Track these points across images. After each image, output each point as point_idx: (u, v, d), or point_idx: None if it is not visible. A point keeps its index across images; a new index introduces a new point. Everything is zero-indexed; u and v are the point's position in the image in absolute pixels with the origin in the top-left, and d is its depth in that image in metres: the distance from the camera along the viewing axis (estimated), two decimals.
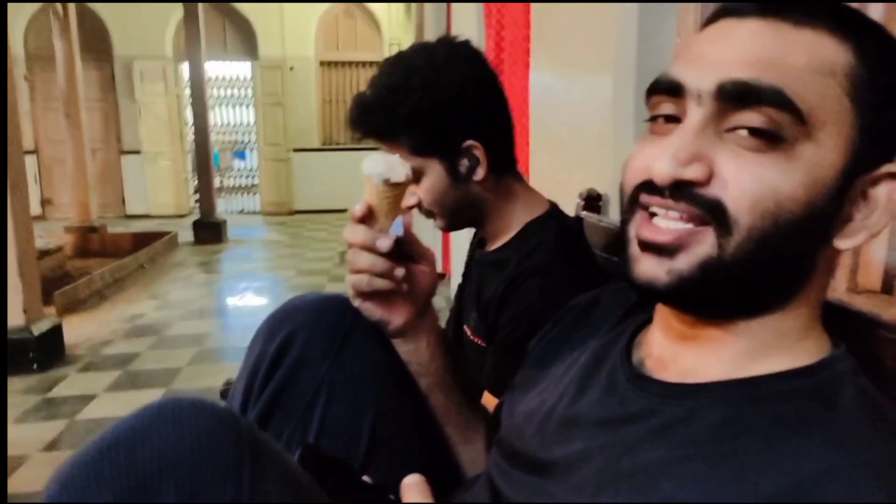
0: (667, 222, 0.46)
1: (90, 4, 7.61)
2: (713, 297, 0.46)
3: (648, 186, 0.47)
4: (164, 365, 3.17)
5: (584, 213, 1.23)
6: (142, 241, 5.78)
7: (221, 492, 0.43)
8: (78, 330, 3.62)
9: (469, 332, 1.02)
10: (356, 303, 0.74)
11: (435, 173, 0.93)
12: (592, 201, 1.31)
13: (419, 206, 0.96)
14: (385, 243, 0.70)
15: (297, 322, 0.72)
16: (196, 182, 7.25)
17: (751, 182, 0.43)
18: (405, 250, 0.74)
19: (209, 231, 6.45)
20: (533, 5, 2.07)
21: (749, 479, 0.40)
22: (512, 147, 1.00)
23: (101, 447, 0.44)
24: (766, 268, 0.44)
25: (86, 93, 6.20)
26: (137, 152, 8.12)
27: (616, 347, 0.57)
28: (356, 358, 0.69)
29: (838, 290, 0.78)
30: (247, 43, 8.34)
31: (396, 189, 0.71)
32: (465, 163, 0.93)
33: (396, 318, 0.75)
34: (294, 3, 8.06)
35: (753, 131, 0.43)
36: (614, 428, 0.49)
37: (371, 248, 0.70)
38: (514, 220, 0.99)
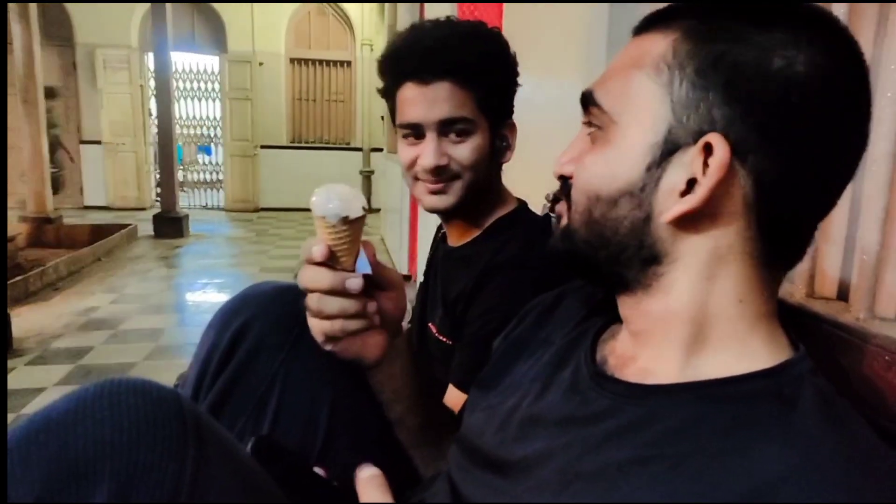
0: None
1: None
2: (580, 258, 0.53)
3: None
4: (118, 360, 3.07)
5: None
6: (100, 233, 5.62)
7: (162, 476, 0.42)
8: (28, 322, 3.49)
9: (434, 331, 1.00)
10: (327, 347, 0.67)
11: (483, 136, 0.91)
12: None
13: (446, 167, 0.90)
14: (356, 283, 0.63)
15: (253, 311, 0.70)
16: (158, 175, 7.09)
17: (581, 172, 0.52)
18: (373, 281, 0.68)
19: (170, 225, 6.30)
20: (505, 8, 2.08)
21: (707, 482, 0.40)
22: None
23: (29, 431, 0.42)
24: (599, 234, 0.51)
25: (45, 80, 6.00)
26: (98, 142, 7.90)
27: (580, 346, 0.57)
28: (313, 348, 0.67)
29: (796, 295, 0.79)
30: (216, 36, 8.20)
31: (356, 223, 0.63)
32: (500, 141, 0.94)
33: (372, 351, 0.70)
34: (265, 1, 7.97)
35: (593, 126, 0.52)
36: (576, 427, 0.49)
37: (339, 292, 0.64)
38: (484, 216, 0.98)
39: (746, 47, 0.44)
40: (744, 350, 0.47)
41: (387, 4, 6.22)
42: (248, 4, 8.04)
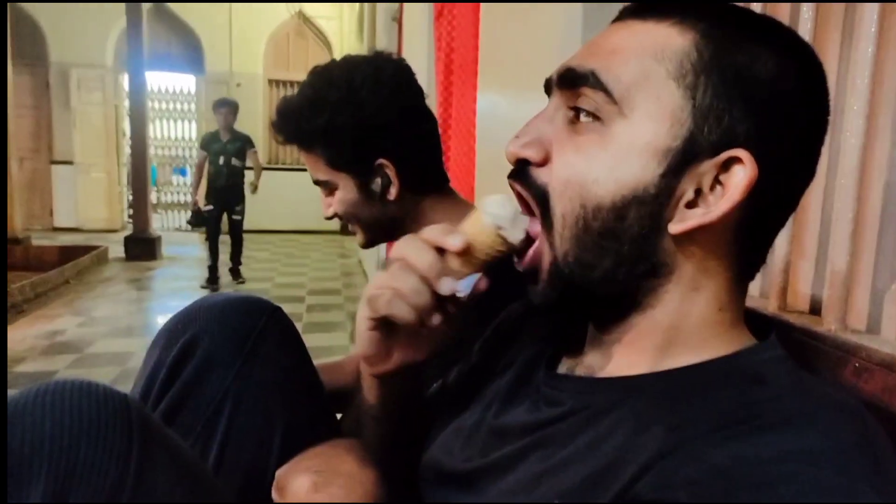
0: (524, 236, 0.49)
1: (26, 8, 7.32)
2: (574, 290, 0.47)
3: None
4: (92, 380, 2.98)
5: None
6: (69, 254, 5.50)
7: (103, 476, 0.42)
8: None
9: None
10: (363, 326, 0.54)
11: (347, 188, 0.95)
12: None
13: (337, 216, 0.97)
14: (450, 285, 0.50)
15: (201, 325, 0.66)
16: (131, 196, 6.99)
17: (562, 168, 0.46)
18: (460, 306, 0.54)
19: (142, 247, 6.19)
20: (482, 28, 2.09)
21: (674, 423, 0.39)
22: (436, 165, 1.01)
23: None
24: (596, 248, 0.45)
25: (17, 99, 5.91)
26: (70, 162, 7.77)
27: (542, 361, 0.55)
28: (266, 365, 0.64)
29: (769, 309, 0.78)
30: (192, 56, 8.17)
31: (503, 247, 0.51)
32: (377, 181, 0.94)
33: (394, 360, 0.57)
34: (244, 20, 7.98)
35: (580, 113, 0.46)
36: (543, 429, 0.48)
37: (426, 279, 0.50)
38: None
39: (763, 63, 0.44)
40: (717, 348, 0.46)
41: (365, 26, 6.27)
42: (227, 25, 8.04)
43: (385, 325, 0.54)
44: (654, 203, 0.44)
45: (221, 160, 5.01)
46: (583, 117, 0.46)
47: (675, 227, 0.44)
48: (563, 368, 0.53)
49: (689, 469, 0.35)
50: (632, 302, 0.47)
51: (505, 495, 0.47)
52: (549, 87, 0.51)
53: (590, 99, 0.45)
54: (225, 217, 5.18)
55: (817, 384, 0.42)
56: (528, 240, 0.50)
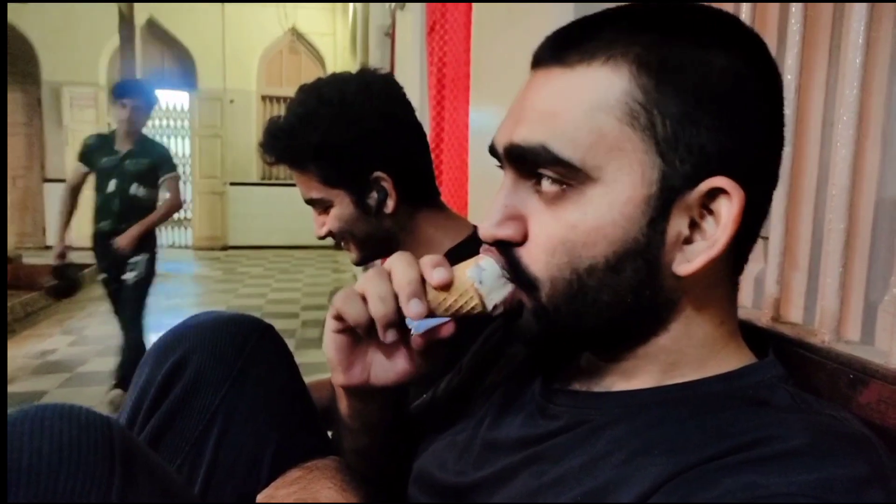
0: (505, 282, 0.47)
1: (18, 26, 7.33)
2: (567, 336, 0.46)
3: None
4: (74, 403, 2.94)
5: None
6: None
7: (83, 502, 0.41)
8: None
9: None
10: (329, 326, 0.53)
11: (343, 204, 0.94)
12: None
13: (331, 234, 0.96)
14: (416, 308, 0.47)
15: (191, 344, 0.65)
16: None
17: (544, 239, 0.44)
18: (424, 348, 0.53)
19: None
20: (473, 42, 2.10)
21: (671, 448, 0.39)
22: (428, 178, 1.01)
23: None
24: (595, 304, 0.44)
25: (9, 117, 5.91)
26: (62, 181, 7.74)
27: (538, 372, 0.54)
28: (257, 384, 0.63)
29: (763, 320, 0.78)
30: (185, 73, 8.19)
31: (475, 308, 0.49)
32: (374, 195, 0.93)
33: (356, 376, 0.54)
34: (237, 36, 8.02)
35: (547, 180, 0.44)
36: (538, 444, 0.47)
37: (398, 294, 0.48)
38: (435, 249, 0.97)
39: (715, 71, 0.41)
40: (719, 365, 0.46)
41: (358, 41, 6.30)
42: (220, 42, 8.07)
43: (351, 333, 0.52)
44: (648, 251, 0.43)
45: (113, 184, 2.91)
46: (546, 184, 0.44)
47: (682, 269, 0.43)
48: (559, 382, 0.52)
49: (704, 494, 0.34)
50: (634, 334, 0.46)
51: None
52: (496, 154, 0.48)
53: (552, 172, 0.43)
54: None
55: (821, 406, 0.42)
56: (507, 312, 0.48)
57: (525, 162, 0.44)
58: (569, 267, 0.43)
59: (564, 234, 0.43)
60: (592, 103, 0.42)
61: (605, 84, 0.42)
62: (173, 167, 3.05)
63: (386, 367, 0.54)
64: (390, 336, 0.49)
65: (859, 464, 0.35)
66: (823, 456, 0.35)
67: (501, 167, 0.48)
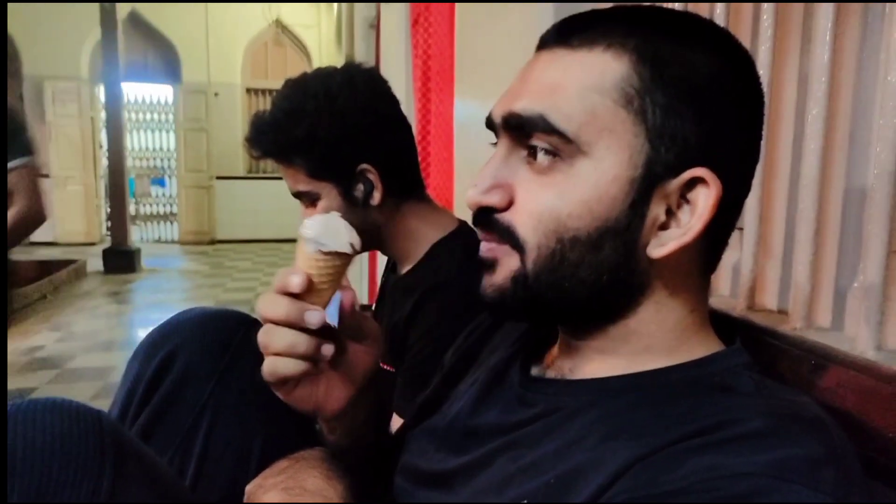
0: (483, 242, 0.50)
1: None
2: (540, 307, 0.48)
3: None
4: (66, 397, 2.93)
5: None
6: (46, 269, 5.40)
7: (75, 493, 0.42)
8: None
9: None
10: (279, 394, 0.55)
11: (330, 197, 0.94)
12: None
13: None
14: (316, 316, 0.51)
15: (179, 340, 0.67)
16: (108, 208, 6.91)
17: (534, 205, 0.46)
18: (345, 330, 0.57)
19: (121, 259, 6.11)
20: (457, 33, 2.10)
21: (643, 433, 0.40)
22: (414, 170, 1.02)
23: None
24: (573, 278, 0.46)
25: None
26: (45, 176, 7.66)
27: (516, 362, 0.56)
28: (244, 377, 0.65)
29: (738, 308, 0.80)
30: (169, 66, 8.11)
31: (338, 260, 0.53)
32: (360, 187, 0.94)
33: (332, 404, 0.58)
34: (221, 29, 7.94)
35: (536, 151, 0.46)
36: (515, 430, 0.49)
37: (295, 325, 0.51)
38: (421, 242, 0.99)
39: (700, 69, 0.45)
40: (688, 352, 0.48)
41: (343, 34, 6.27)
42: (204, 34, 7.99)
43: (290, 380, 0.54)
44: (628, 233, 0.45)
45: None
46: (541, 156, 0.46)
47: (655, 252, 0.45)
48: (536, 370, 0.55)
49: (668, 476, 0.36)
50: (606, 314, 0.48)
51: (477, 495, 0.48)
52: (492, 126, 0.51)
53: (544, 140, 0.45)
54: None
55: (782, 392, 0.44)
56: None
57: (522, 131, 0.46)
58: (555, 235, 0.45)
59: (553, 202, 0.45)
60: (591, 83, 0.45)
61: (605, 68, 0.45)
62: (31, 149, 1.93)
63: (342, 378, 0.57)
64: (327, 351, 0.52)
65: (815, 445, 0.37)
66: (782, 438, 0.37)
67: (495, 145, 0.51)
